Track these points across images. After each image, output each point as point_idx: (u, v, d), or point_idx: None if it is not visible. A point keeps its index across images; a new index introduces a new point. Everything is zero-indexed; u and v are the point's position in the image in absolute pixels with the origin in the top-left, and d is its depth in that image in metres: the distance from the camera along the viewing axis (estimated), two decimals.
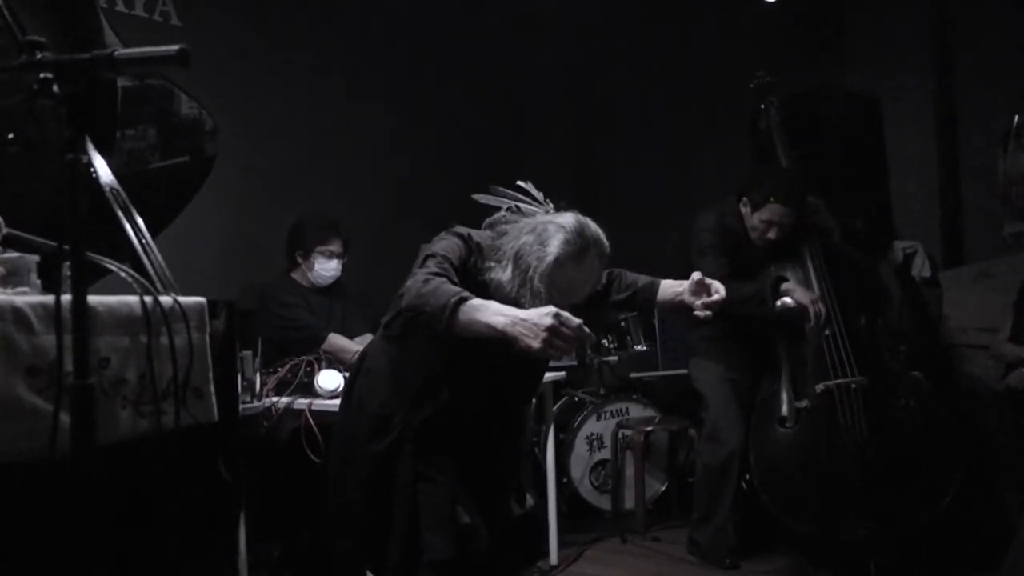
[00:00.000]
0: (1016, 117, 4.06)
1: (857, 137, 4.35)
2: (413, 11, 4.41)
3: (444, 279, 1.77)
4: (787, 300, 3.05)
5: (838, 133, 4.25)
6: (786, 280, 3.13)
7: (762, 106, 3.54)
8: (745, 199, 3.22)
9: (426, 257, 1.86)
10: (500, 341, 1.68)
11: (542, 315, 1.63)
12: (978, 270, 4.01)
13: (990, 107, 4.16)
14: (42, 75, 1.17)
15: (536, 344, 1.63)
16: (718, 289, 2.03)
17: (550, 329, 1.62)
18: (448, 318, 1.68)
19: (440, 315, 1.68)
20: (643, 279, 2.21)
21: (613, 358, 4.30)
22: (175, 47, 1.17)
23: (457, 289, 1.73)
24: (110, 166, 1.76)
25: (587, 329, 1.65)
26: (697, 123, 4.81)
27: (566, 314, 1.64)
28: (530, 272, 1.82)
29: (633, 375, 4.34)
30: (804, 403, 3.09)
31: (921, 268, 4.03)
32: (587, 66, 5.30)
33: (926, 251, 4.10)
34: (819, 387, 3.07)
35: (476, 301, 1.70)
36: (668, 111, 4.94)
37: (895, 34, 4.44)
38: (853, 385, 3.04)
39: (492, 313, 1.68)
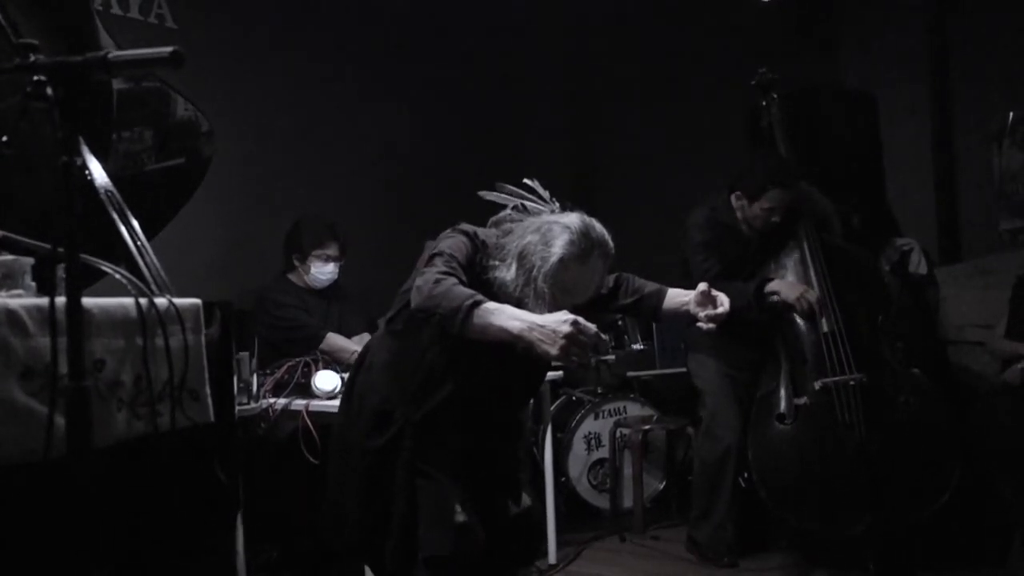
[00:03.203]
0: (1011, 114, 4.07)
1: (854, 134, 4.35)
2: (410, 10, 4.41)
3: (455, 280, 1.76)
4: (774, 299, 3.08)
5: (835, 130, 4.25)
6: (770, 280, 3.15)
7: (764, 103, 3.54)
8: (739, 192, 3.21)
9: (433, 255, 1.86)
10: (509, 342, 1.68)
11: (560, 322, 1.64)
12: (975, 267, 4.02)
13: (985, 104, 4.17)
14: (36, 77, 1.17)
15: (554, 351, 1.64)
16: (723, 302, 2.02)
17: (568, 336, 1.62)
18: (462, 321, 1.68)
19: (454, 318, 1.69)
20: (650, 285, 2.21)
21: (611, 357, 4.29)
22: (168, 49, 1.17)
23: (470, 292, 1.72)
24: (106, 168, 1.76)
25: (603, 336, 1.65)
26: (695, 121, 4.81)
27: (583, 321, 1.64)
28: (534, 272, 1.82)
29: (631, 374, 4.34)
30: (803, 400, 3.09)
31: (918, 265, 4.03)
32: (585, 64, 5.31)
33: (923, 248, 4.10)
34: (818, 384, 3.07)
35: (491, 304, 1.70)
36: (665, 109, 4.94)
37: (891, 32, 4.45)
38: (852, 382, 3.04)
39: (507, 317, 1.68)
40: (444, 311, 1.70)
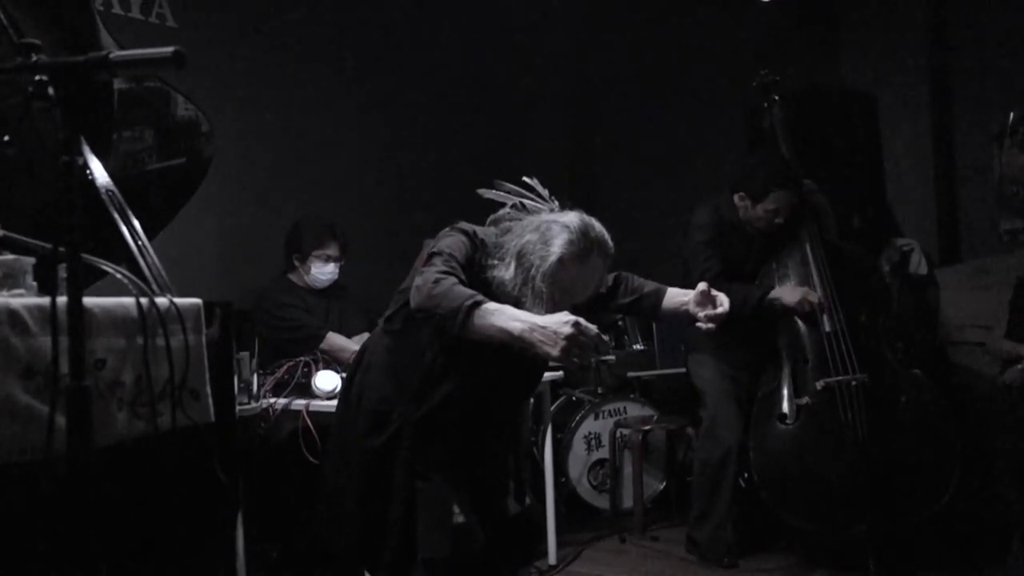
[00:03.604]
0: (1011, 114, 4.06)
1: (854, 135, 4.36)
2: (409, 11, 4.41)
3: (455, 279, 1.75)
4: (776, 304, 3.09)
5: (835, 131, 4.25)
6: (771, 288, 3.15)
7: (765, 104, 3.54)
8: (743, 193, 3.21)
9: (432, 254, 1.84)
10: (508, 343, 1.68)
11: (561, 323, 1.62)
12: (975, 267, 4.02)
13: (986, 104, 4.16)
14: (38, 77, 1.17)
15: (555, 352, 1.63)
16: (722, 302, 2.01)
17: (569, 338, 1.61)
18: (462, 322, 1.67)
19: (454, 318, 1.68)
20: (649, 285, 2.20)
21: (611, 357, 4.30)
22: (170, 49, 1.17)
23: (471, 292, 1.71)
24: (106, 168, 1.77)
25: (605, 337, 1.65)
26: (694, 121, 4.81)
27: (585, 322, 1.63)
28: (533, 271, 1.81)
29: (631, 374, 4.34)
30: (805, 400, 3.10)
31: (918, 266, 4.03)
32: (584, 64, 5.31)
33: (923, 249, 4.11)
34: (820, 384, 3.08)
35: (491, 305, 1.69)
36: (665, 109, 4.94)
37: (892, 32, 4.44)
38: (854, 382, 3.04)
39: (508, 318, 1.67)
40: (444, 311, 1.69)
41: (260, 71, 3.78)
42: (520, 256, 1.84)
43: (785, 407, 3.13)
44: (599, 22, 5.03)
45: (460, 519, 1.90)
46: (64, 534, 1.14)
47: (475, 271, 1.88)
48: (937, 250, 4.26)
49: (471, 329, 1.68)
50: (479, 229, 1.96)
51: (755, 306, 3.09)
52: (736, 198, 3.24)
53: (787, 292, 3.14)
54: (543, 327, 1.64)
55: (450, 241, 1.88)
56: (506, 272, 1.85)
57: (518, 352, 1.71)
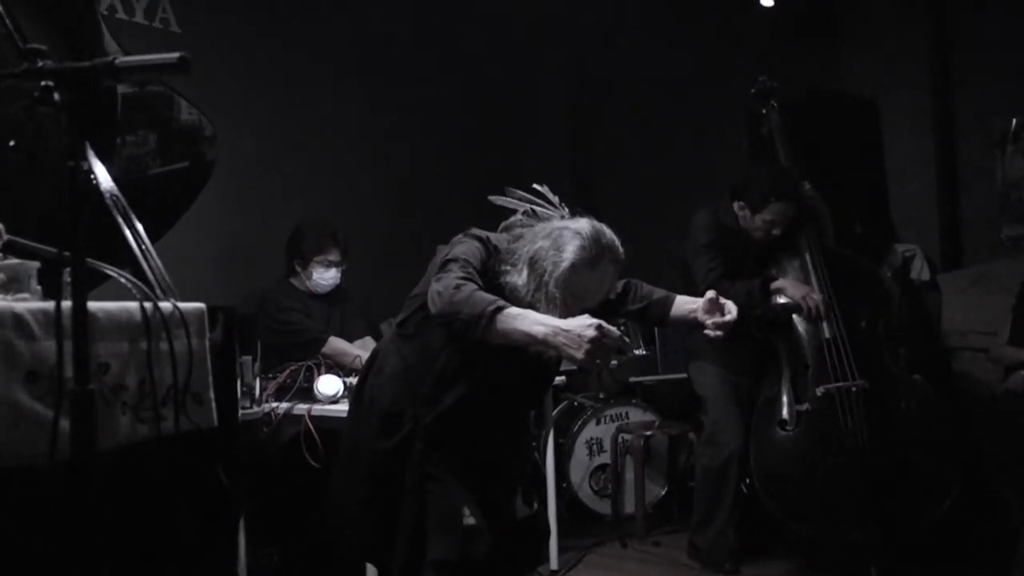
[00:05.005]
0: (1014, 120, 4.06)
1: (855, 140, 4.36)
2: (411, 14, 4.42)
3: (474, 286, 1.78)
4: (778, 299, 3.08)
5: (836, 136, 4.25)
6: (774, 279, 3.15)
7: (763, 111, 3.55)
8: (742, 203, 3.22)
9: (448, 261, 1.86)
10: (523, 345, 1.68)
11: (585, 326, 1.65)
12: (977, 273, 4.02)
13: (988, 109, 4.16)
14: (43, 83, 1.18)
15: (579, 355, 1.65)
16: (730, 310, 2.03)
17: (593, 340, 1.63)
18: (485, 326, 1.69)
19: (477, 323, 1.70)
20: (658, 292, 2.22)
21: (613, 362, 4.29)
22: (175, 55, 1.18)
23: (492, 297, 1.74)
24: (110, 172, 1.77)
25: (627, 340, 1.67)
26: (695, 125, 4.81)
27: (607, 325, 1.65)
28: (545, 277, 1.84)
29: (633, 379, 4.33)
30: (805, 406, 3.10)
31: (920, 271, 4.03)
32: (585, 68, 5.32)
33: (925, 254, 4.11)
34: (820, 390, 3.07)
35: (513, 310, 1.71)
36: (666, 113, 4.95)
37: (893, 36, 4.45)
38: (854, 388, 3.04)
39: (531, 322, 1.69)
40: (466, 316, 1.71)
41: (263, 76, 3.80)
42: (532, 262, 1.87)
43: (785, 413, 3.13)
44: (600, 26, 5.03)
45: (470, 521, 1.91)
46: (67, 538, 1.14)
47: (489, 277, 1.90)
48: (939, 256, 4.25)
49: (494, 333, 1.70)
50: (492, 235, 1.98)
51: (759, 298, 3.08)
52: (736, 206, 3.24)
53: (791, 285, 3.14)
54: (567, 331, 1.66)
55: (465, 247, 1.91)
56: (519, 278, 1.88)
57: (531, 356, 1.72)
